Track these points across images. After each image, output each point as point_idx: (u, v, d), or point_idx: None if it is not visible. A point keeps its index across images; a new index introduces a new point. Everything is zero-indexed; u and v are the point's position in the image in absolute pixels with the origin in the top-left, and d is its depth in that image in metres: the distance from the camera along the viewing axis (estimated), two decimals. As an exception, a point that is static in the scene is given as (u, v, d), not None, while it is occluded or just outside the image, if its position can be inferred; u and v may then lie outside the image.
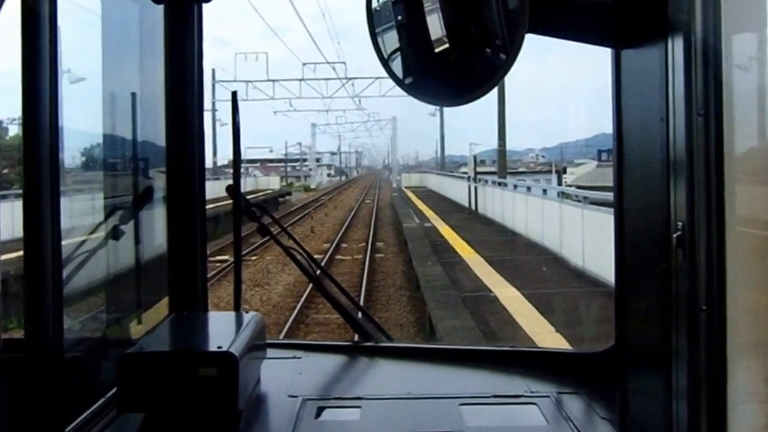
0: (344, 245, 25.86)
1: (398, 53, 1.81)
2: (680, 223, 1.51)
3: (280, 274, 20.13)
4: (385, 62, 1.79)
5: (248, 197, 2.66)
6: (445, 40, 1.76)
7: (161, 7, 2.52)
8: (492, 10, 1.69)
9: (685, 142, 1.48)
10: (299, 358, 2.59)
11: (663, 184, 1.60)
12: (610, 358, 2.13)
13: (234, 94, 2.64)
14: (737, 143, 1.42)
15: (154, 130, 2.66)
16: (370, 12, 1.80)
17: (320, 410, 2.08)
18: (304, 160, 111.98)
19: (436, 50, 1.75)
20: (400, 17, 1.80)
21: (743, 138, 1.44)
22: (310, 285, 16.87)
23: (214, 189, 17.83)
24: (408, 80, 1.82)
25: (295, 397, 2.17)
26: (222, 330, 2.32)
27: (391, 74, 1.79)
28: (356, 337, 3.22)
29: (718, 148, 1.40)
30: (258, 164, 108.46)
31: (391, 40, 1.81)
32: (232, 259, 18.93)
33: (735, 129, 1.41)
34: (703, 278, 1.43)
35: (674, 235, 1.52)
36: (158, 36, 2.57)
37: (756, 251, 1.48)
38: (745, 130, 1.44)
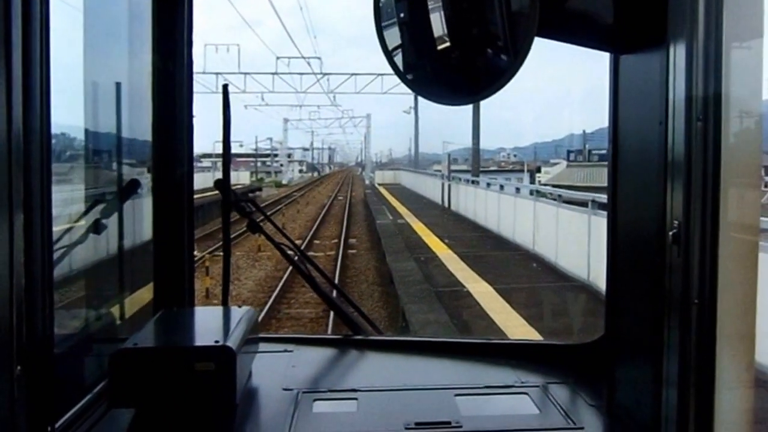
0: (317, 242, 25.80)
1: (400, 49, 1.82)
2: (676, 222, 1.57)
3: (251, 270, 20.03)
4: (390, 56, 1.80)
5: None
6: (446, 38, 1.78)
7: None
8: (495, 11, 1.71)
9: (683, 146, 1.54)
10: (291, 351, 2.58)
11: (660, 184, 1.65)
12: (598, 349, 2.19)
13: (225, 87, 2.62)
14: (733, 148, 1.50)
15: (141, 122, 2.61)
16: (377, 5, 1.81)
17: (316, 403, 2.09)
18: (275, 155, 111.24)
19: (438, 48, 1.77)
20: (402, 14, 1.82)
21: (739, 144, 1.52)
22: (282, 281, 17.04)
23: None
24: (410, 76, 1.83)
25: (290, 390, 2.17)
26: (216, 325, 2.31)
27: (395, 69, 1.80)
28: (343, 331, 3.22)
29: (716, 153, 1.47)
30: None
31: (394, 35, 1.82)
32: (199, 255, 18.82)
33: (732, 135, 1.49)
34: (696, 274, 1.51)
35: (670, 233, 1.58)
36: (146, 24, 2.52)
37: (745, 250, 1.57)
38: (741, 136, 1.52)
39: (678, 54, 1.58)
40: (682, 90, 1.54)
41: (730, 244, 1.51)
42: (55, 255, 2.41)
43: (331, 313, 13.37)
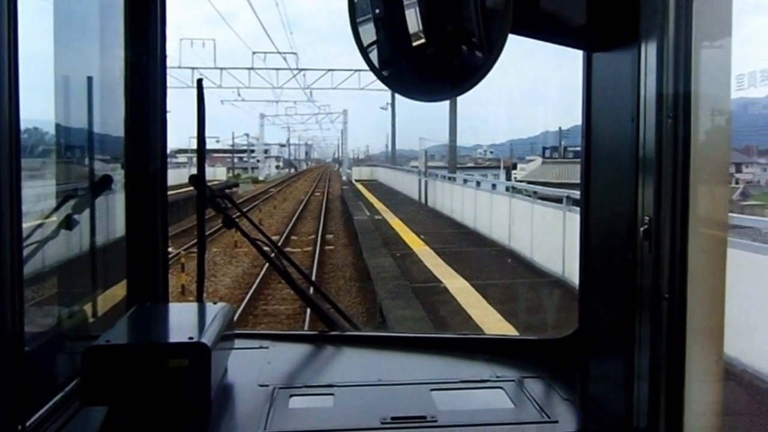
0: (294, 237, 25.72)
1: (376, 45, 1.83)
2: (647, 218, 1.60)
3: (227, 266, 19.91)
4: (365, 53, 1.80)
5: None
6: (422, 35, 1.78)
7: None
8: (470, 8, 1.73)
9: (654, 142, 1.57)
10: (266, 347, 2.57)
11: (631, 180, 1.68)
12: (572, 344, 2.22)
13: (200, 82, 2.60)
14: (703, 145, 1.53)
15: (114, 117, 2.58)
16: (352, 1, 1.81)
17: (292, 398, 2.08)
18: (252, 151, 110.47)
19: (414, 44, 1.77)
20: (377, 11, 1.82)
21: (709, 140, 1.56)
22: (259, 277, 16.95)
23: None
24: (385, 73, 1.84)
25: (266, 386, 2.16)
26: (190, 321, 2.29)
27: (371, 65, 1.80)
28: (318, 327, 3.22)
29: (686, 149, 1.51)
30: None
31: (370, 31, 1.82)
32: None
33: (701, 132, 1.52)
34: (666, 269, 1.55)
35: (641, 229, 1.62)
36: (118, 18, 2.48)
37: (715, 245, 1.61)
38: (710, 133, 1.56)
39: (649, 52, 1.61)
40: (653, 87, 1.57)
41: (700, 239, 1.54)
42: (26, 251, 2.37)
43: (308, 310, 13.35)
